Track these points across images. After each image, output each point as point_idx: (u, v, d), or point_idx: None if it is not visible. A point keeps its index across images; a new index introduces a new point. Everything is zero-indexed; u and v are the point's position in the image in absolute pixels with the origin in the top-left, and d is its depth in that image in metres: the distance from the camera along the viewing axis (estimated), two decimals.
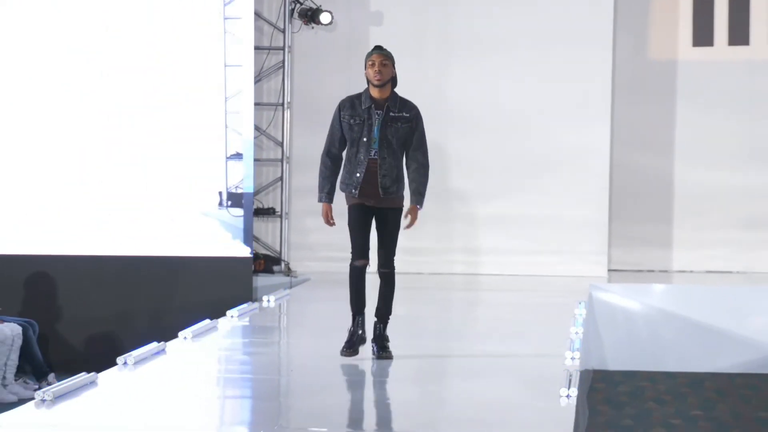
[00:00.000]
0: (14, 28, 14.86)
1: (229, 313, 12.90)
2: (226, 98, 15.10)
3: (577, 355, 10.58)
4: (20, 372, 13.14)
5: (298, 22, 16.05)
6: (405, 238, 16.25)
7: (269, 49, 16.26)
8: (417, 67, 16.37)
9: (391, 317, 10.60)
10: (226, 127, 15.23)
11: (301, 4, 15.99)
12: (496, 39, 16.34)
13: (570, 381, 9.43)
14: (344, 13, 16.28)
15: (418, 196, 10.41)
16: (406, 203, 10.43)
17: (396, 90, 10.38)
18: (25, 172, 14.85)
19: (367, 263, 10.46)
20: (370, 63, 10.27)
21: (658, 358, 14.91)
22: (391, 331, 12.26)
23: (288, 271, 16.15)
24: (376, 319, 10.55)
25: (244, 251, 14.82)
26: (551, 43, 16.22)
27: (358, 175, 10.28)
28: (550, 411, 8.89)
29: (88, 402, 9.08)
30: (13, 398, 12.58)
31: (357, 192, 10.29)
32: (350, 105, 10.36)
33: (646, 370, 14.71)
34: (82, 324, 14.60)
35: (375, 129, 10.23)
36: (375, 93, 10.32)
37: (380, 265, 10.50)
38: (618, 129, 16.57)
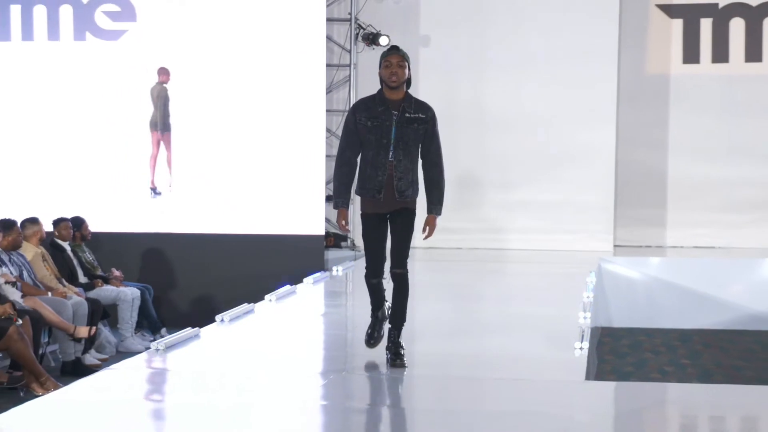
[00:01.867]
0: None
1: (305, 280, 12.96)
2: (326, 110, 15.24)
3: (588, 314, 10.56)
4: (139, 327, 13.22)
5: (361, 44, 16.07)
6: (444, 220, 16.37)
7: (338, 66, 16.29)
8: (457, 80, 16.41)
9: (405, 324, 8.64)
10: (327, 131, 15.34)
11: (364, 29, 16.02)
12: (523, 57, 16.30)
13: (582, 336, 9.45)
14: (399, 36, 16.25)
15: (438, 206, 8.50)
16: (419, 205, 8.52)
17: (410, 91, 8.46)
18: (147, 169, 14.93)
19: (382, 278, 8.55)
20: (386, 64, 8.31)
21: (654, 317, 14.87)
22: (433, 295, 12.26)
23: (353, 246, 16.17)
24: (390, 326, 8.65)
25: (318, 230, 14.86)
26: (567, 59, 16.17)
27: (380, 177, 8.30)
28: (567, 360, 8.90)
29: (193, 351, 9.17)
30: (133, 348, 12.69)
31: (381, 195, 8.32)
32: (365, 107, 8.37)
33: (644, 327, 14.66)
34: (188, 288, 14.68)
35: (393, 130, 8.29)
36: (389, 94, 8.34)
37: (393, 266, 8.49)
38: (622, 130, 16.49)
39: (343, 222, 8.44)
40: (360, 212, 8.48)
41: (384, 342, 8.65)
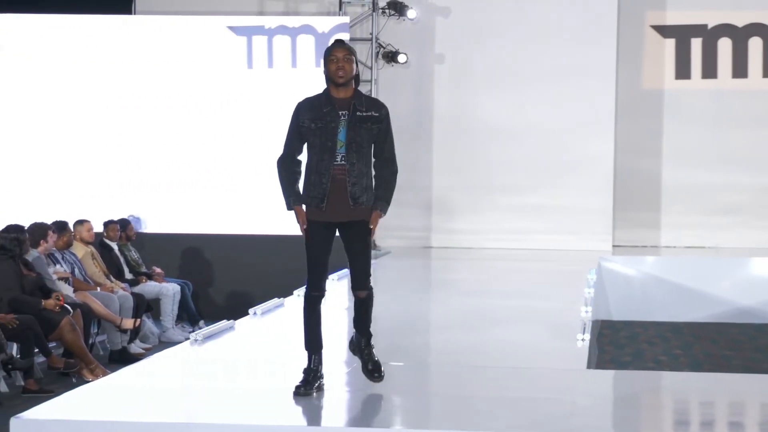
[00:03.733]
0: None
1: (331, 276, 12.90)
2: None
3: (589, 309, 10.54)
4: (179, 319, 13.23)
5: (381, 61, 16.07)
6: (455, 222, 16.43)
7: (361, 81, 16.26)
8: (468, 94, 16.42)
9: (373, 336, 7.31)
10: None
11: (384, 48, 16.01)
12: (530, 73, 16.31)
13: (584, 328, 9.43)
14: (416, 54, 16.29)
15: (384, 204, 7.00)
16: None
17: (359, 89, 7.15)
18: (189, 174, 14.91)
19: (323, 295, 7.08)
20: (332, 59, 6.94)
21: (649, 311, 14.84)
22: (445, 291, 12.18)
23: (374, 246, 16.14)
24: (358, 334, 7.29)
25: None
26: (570, 76, 16.18)
27: (324, 184, 6.87)
28: (570, 351, 8.89)
29: (228, 342, 9.18)
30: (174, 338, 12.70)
31: (325, 204, 6.90)
32: (309, 107, 6.98)
33: (641, 320, 14.63)
34: (224, 284, 14.67)
35: (341, 131, 6.88)
36: (337, 92, 6.97)
37: (355, 287, 7.10)
38: (619, 140, 16.47)
39: (302, 221, 7.02)
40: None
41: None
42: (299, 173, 7.05)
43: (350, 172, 6.89)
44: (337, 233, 7.14)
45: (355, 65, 6.99)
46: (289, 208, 7.04)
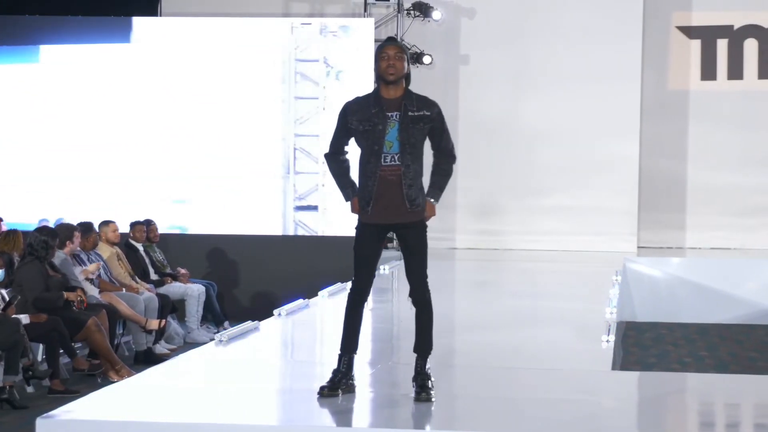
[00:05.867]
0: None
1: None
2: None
3: (614, 310, 10.50)
4: (204, 320, 13.23)
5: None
6: (482, 223, 16.41)
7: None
8: (494, 95, 16.39)
9: (432, 352, 7.03)
10: None
11: (409, 49, 15.95)
12: (555, 74, 16.27)
13: (609, 329, 9.38)
14: (441, 55, 16.26)
15: (437, 191, 6.91)
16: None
17: (410, 88, 6.89)
18: (214, 175, 14.92)
19: (365, 299, 7.01)
20: (382, 56, 6.74)
21: (675, 313, 14.77)
22: (471, 292, 12.15)
23: (399, 247, 16.12)
24: (416, 354, 6.98)
25: None
26: (595, 77, 16.13)
27: (370, 186, 6.75)
28: (595, 352, 8.86)
29: (253, 343, 9.17)
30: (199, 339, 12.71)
31: (370, 208, 6.77)
32: (358, 108, 6.81)
33: (666, 322, 14.57)
34: (249, 285, 14.67)
35: (392, 133, 6.70)
36: (387, 92, 6.79)
37: (412, 291, 6.93)
38: (645, 141, 16.42)
39: (357, 212, 6.93)
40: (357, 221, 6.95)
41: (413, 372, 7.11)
42: (348, 161, 6.95)
43: (406, 174, 6.76)
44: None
45: (406, 63, 6.80)
46: (347, 199, 6.94)
